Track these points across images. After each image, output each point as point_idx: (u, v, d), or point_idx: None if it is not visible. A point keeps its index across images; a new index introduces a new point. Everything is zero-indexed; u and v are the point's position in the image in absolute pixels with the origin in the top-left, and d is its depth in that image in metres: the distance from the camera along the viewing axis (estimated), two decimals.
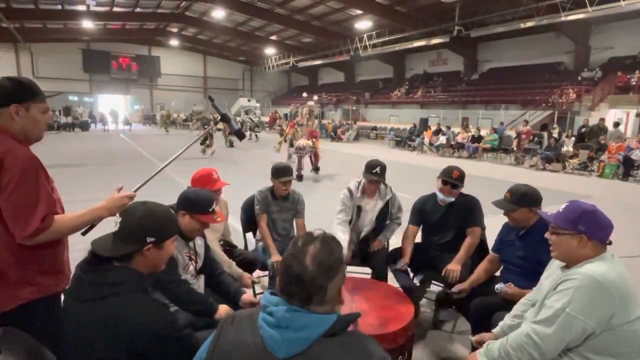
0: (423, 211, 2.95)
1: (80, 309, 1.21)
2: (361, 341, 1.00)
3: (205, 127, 12.88)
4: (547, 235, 1.64)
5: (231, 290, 2.15)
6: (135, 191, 1.72)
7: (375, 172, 2.91)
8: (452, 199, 2.80)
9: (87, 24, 24.11)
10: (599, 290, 1.39)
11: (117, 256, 1.26)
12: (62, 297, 1.36)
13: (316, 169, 9.87)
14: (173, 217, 1.42)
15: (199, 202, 1.97)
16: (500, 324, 1.90)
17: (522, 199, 2.25)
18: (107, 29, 27.54)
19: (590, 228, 1.51)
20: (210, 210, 1.99)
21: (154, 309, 1.25)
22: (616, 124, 12.86)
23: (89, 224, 1.59)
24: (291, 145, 9.90)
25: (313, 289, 0.96)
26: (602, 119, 12.94)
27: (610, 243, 1.55)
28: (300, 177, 8.98)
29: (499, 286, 2.20)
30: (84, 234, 1.62)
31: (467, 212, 2.80)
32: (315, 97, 10.38)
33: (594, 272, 1.42)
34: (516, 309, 1.88)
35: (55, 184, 1.61)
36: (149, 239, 1.28)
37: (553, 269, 1.71)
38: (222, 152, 13.61)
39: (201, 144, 12.30)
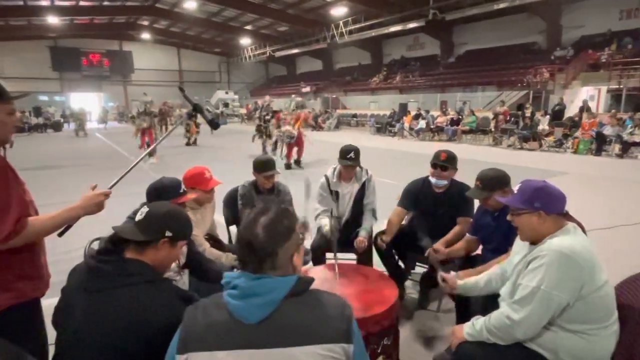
0: (415, 196, 2.93)
1: (92, 299, 1.25)
2: (320, 296, 1.09)
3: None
4: (508, 217, 1.70)
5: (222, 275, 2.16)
6: (111, 188, 1.69)
7: (349, 157, 2.91)
8: (445, 182, 2.79)
9: (53, 20, 23.15)
10: (569, 264, 1.45)
11: (135, 241, 1.34)
12: (60, 295, 1.37)
13: (297, 162, 9.54)
14: (191, 222, 1.51)
15: (167, 188, 1.97)
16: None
17: (494, 184, 2.30)
18: (75, 24, 26.51)
19: (546, 203, 1.58)
20: (182, 191, 2.00)
21: (168, 299, 1.31)
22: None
23: (65, 225, 1.55)
24: (268, 136, 10.38)
25: (262, 254, 1.03)
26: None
27: (567, 213, 1.63)
28: (287, 166, 9.11)
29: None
30: (60, 235, 1.58)
31: (460, 201, 2.77)
32: (267, 97, 10.03)
33: (561, 246, 1.49)
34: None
35: (27, 186, 1.55)
36: (167, 233, 1.37)
37: (521, 245, 1.76)
38: (200, 143, 13.40)
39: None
